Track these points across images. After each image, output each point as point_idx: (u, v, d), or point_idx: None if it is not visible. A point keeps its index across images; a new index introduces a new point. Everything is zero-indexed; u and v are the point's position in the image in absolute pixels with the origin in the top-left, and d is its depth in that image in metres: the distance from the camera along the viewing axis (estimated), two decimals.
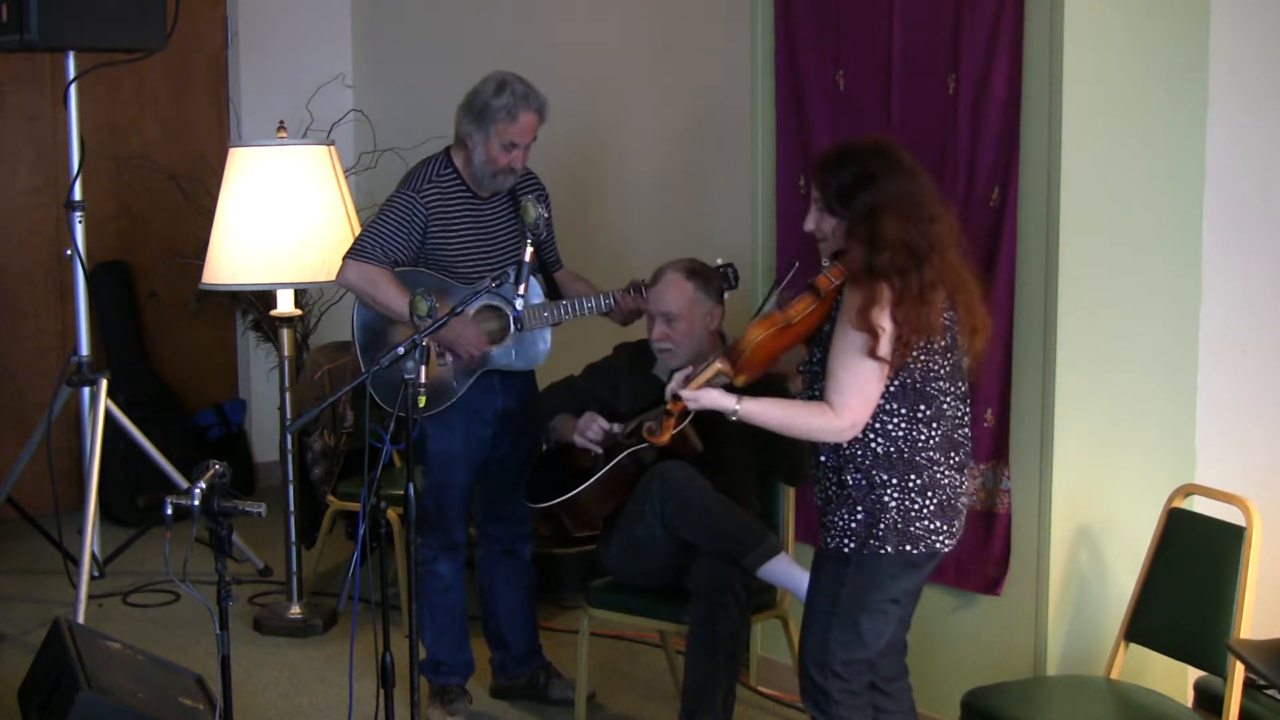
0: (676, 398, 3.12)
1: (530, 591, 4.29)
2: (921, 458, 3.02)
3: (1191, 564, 3.32)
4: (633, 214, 5.38)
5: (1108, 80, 3.54)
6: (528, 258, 3.57)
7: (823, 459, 3.11)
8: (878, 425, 3.02)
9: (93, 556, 4.82)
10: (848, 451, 3.05)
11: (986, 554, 3.68)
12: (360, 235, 4.02)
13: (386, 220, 3.95)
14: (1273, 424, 3.83)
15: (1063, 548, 3.59)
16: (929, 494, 3.02)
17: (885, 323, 2.93)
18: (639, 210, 5.37)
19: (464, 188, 4.00)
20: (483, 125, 3.90)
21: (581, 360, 4.14)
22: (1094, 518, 3.63)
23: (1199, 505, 3.44)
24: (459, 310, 3.51)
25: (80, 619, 4.52)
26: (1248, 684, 3.18)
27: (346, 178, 5.05)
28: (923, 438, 3.02)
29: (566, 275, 4.22)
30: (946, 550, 3.08)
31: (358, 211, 4.96)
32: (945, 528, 3.05)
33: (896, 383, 2.99)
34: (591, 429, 3.82)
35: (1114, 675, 3.44)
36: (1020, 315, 3.57)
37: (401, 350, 3.24)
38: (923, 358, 2.99)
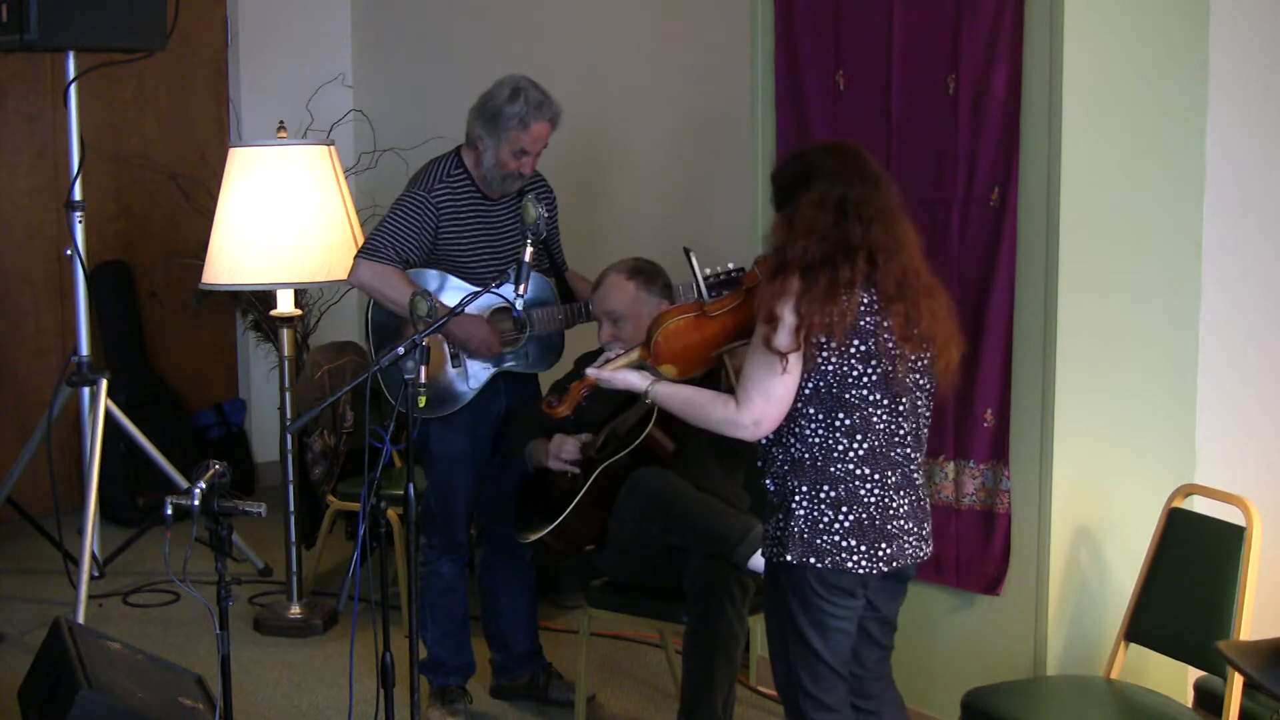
0: (583, 376, 3.15)
1: (531, 592, 4.29)
2: (838, 469, 2.90)
3: (1191, 564, 3.32)
4: (633, 214, 5.38)
5: (1108, 80, 3.54)
6: (527, 257, 3.57)
7: (758, 464, 3.05)
8: (795, 429, 2.93)
9: (93, 556, 4.82)
10: (770, 455, 2.99)
11: (986, 554, 3.68)
12: (371, 234, 4.03)
13: (398, 219, 3.96)
14: (1273, 424, 3.83)
15: (1063, 548, 3.59)
16: (843, 509, 2.89)
17: (786, 314, 2.84)
18: (640, 210, 5.37)
19: (474, 188, 4.01)
20: (494, 131, 3.90)
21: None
22: (1094, 518, 3.63)
23: (1199, 505, 3.44)
24: (458, 310, 3.51)
25: (80, 619, 4.52)
26: (1248, 684, 3.18)
27: (346, 178, 5.05)
28: (840, 448, 2.90)
29: (572, 276, 4.23)
30: (863, 573, 2.90)
31: (358, 211, 4.97)
32: (864, 549, 2.89)
33: (810, 385, 2.89)
34: (564, 450, 3.84)
35: (1114, 675, 3.44)
36: (1020, 315, 3.57)
37: (401, 350, 3.24)
38: (834, 359, 2.87)
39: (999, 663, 3.64)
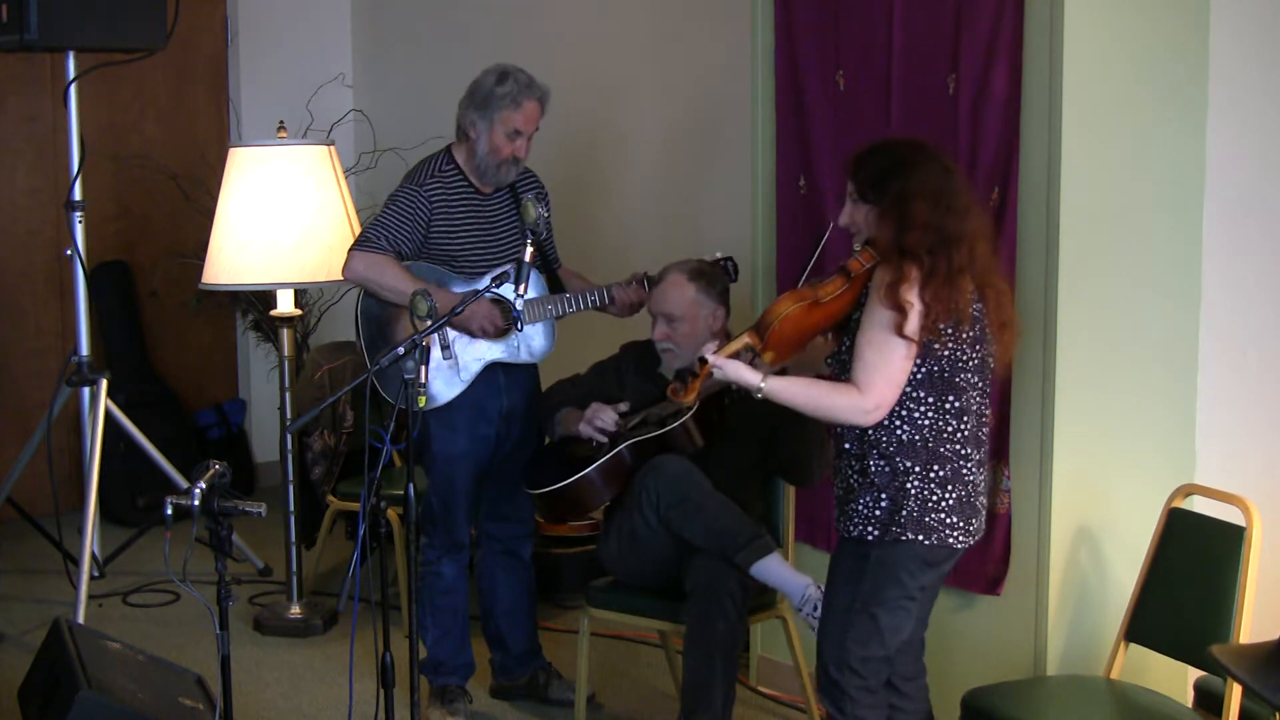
0: (704, 361, 3.10)
1: (530, 592, 4.29)
2: (947, 449, 3.04)
3: (1191, 564, 3.32)
4: (633, 213, 5.38)
5: (1108, 80, 3.54)
6: (528, 257, 3.58)
7: (846, 446, 3.13)
8: (904, 412, 3.03)
9: (93, 556, 4.82)
10: (873, 437, 3.06)
11: (986, 554, 3.68)
12: (365, 228, 4.04)
13: (391, 213, 3.97)
14: (1273, 424, 3.83)
15: (1063, 548, 3.59)
16: (949, 487, 3.04)
17: (913, 299, 2.95)
18: (639, 210, 5.37)
19: (466, 183, 4.01)
20: (486, 114, 3.92)
21: (586, 356, 4.15)
22: (1094, 518, 3.63)
23: (1199, 505, 3.43)
24: (459, 310, 3.51)
25: (80, 619, 4.52)
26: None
27: (346, 178, 5.05)
28: (949, 429, 3.04)
29: (565, 273, 4.23)
30: (962, 548, 3.09)
31: (358, 211, 4.97)
32: (963, 524, 3.07)
33: (924, 370, 3.01)
34: (600, 418, 3.84)
35: (1114, 675, 3.44)
36: (1020, 315, 3.56)
37: (401, 350, 3.24)
38: (950, 345, 3.00)
39: (999, 663, 3.64)
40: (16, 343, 6.23)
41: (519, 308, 3.69)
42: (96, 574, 5.04)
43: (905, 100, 3.77)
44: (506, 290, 3.69)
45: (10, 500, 5.36)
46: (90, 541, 4.74)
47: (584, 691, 3.99)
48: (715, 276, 3.89)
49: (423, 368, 3.22)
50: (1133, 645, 3.44)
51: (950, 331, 2.99)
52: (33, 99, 6.20)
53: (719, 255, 3.96)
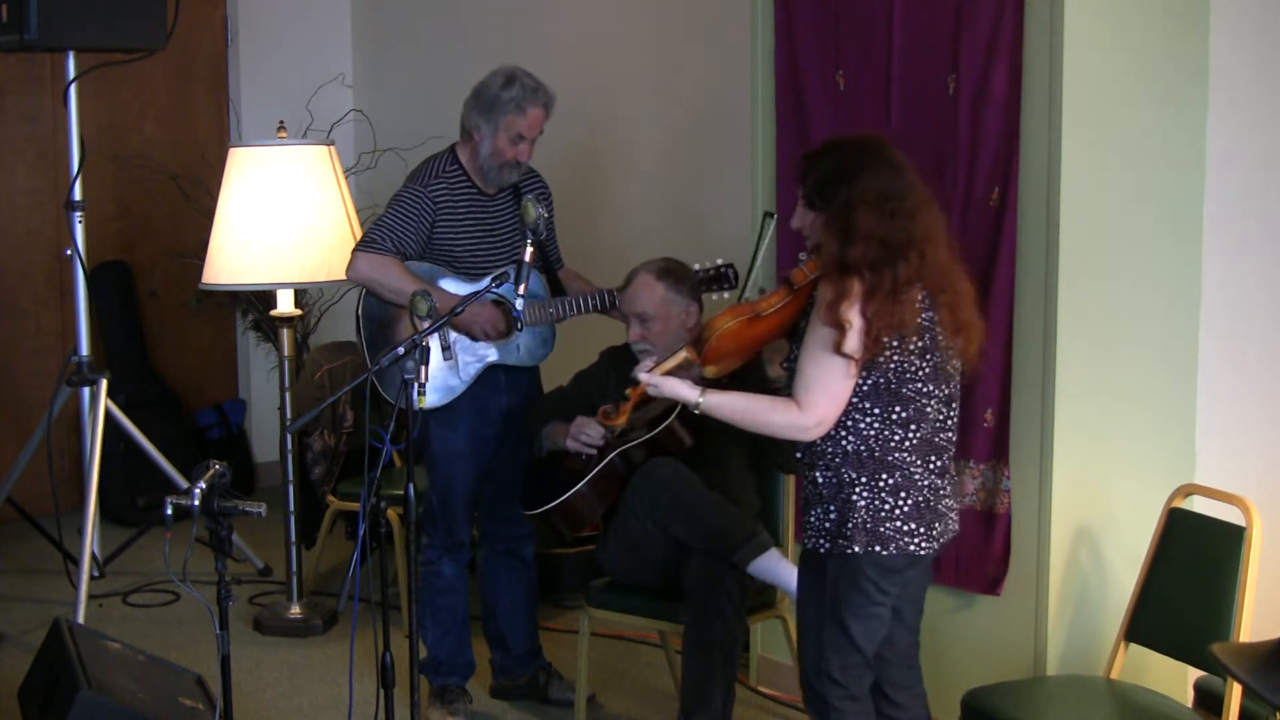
0: (637, 382, 3.13)
1: (531, 592, 4.29)
2: (894, 458, 2.97)
3: (1191, 564, 3.32)
4: (634, 214, 5.38)
5: (1108, 80, 3.54)
6: (528, 257, 3.58)
7: (799, 455, 3.09)
8: (849, 423, 2.97)
9: (93, 556, 4.82)
10: (819, 448, 3.02)
11: (986, 554, 3.68)
12: (368, 229, 4.03)
13: (395, 214, 3.97)
14: (1273, 424, 3.83)
15: (1063, 548, 3.59)
16: (902, 494, 2.97)
17: (854, 318, 2.87)
18: (640, 210, 5.37)
19: (470, 184, 4.01)
20: (491, 118, 3.92)
21: (586, 357, 4.15)
22: (1094, 518, 3.63)
23: (1199, 505, 3.43)
24: (459, 310, 3.51)
25: (80, 619, 4.51)
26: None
27: (346, 178, 5.05)
28: (896, 438, 2.97)
29: (567, 274, 4.23)
30: (924, 553, 3.01)
31: (358, 211, 4.97)
32: (924, 530, 2.98)
33: (869, 382, 2.94)
34: (585, 432, 3.83)
35: (1114, 675, 3.44)
36: (1020, 315, 3.57)
37: (402, 350, 3.24)
38: (896, 357, 2.93)
39: (999, 663, 3.64)
40: (16, 343, 6.23)
41: (519, 308, 3.69)
42: (96, 574, 5.04)
43: (905, 100, 3.77)
44: (506, 290, 3.69)
45: (10, 500, 5.36)
46: (90, 541, 4.74)
47: (584, 691, 3.99)
48: (684, 275, 3.88)
49: (423, 368, 3.23)
50: (1133, 645, 3.44)
51: (896, 344, 2.92)
52: (33, 99, 6.20)
53: (720, 262, 3.95)
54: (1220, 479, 3.52)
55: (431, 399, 3.93)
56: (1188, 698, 3.48)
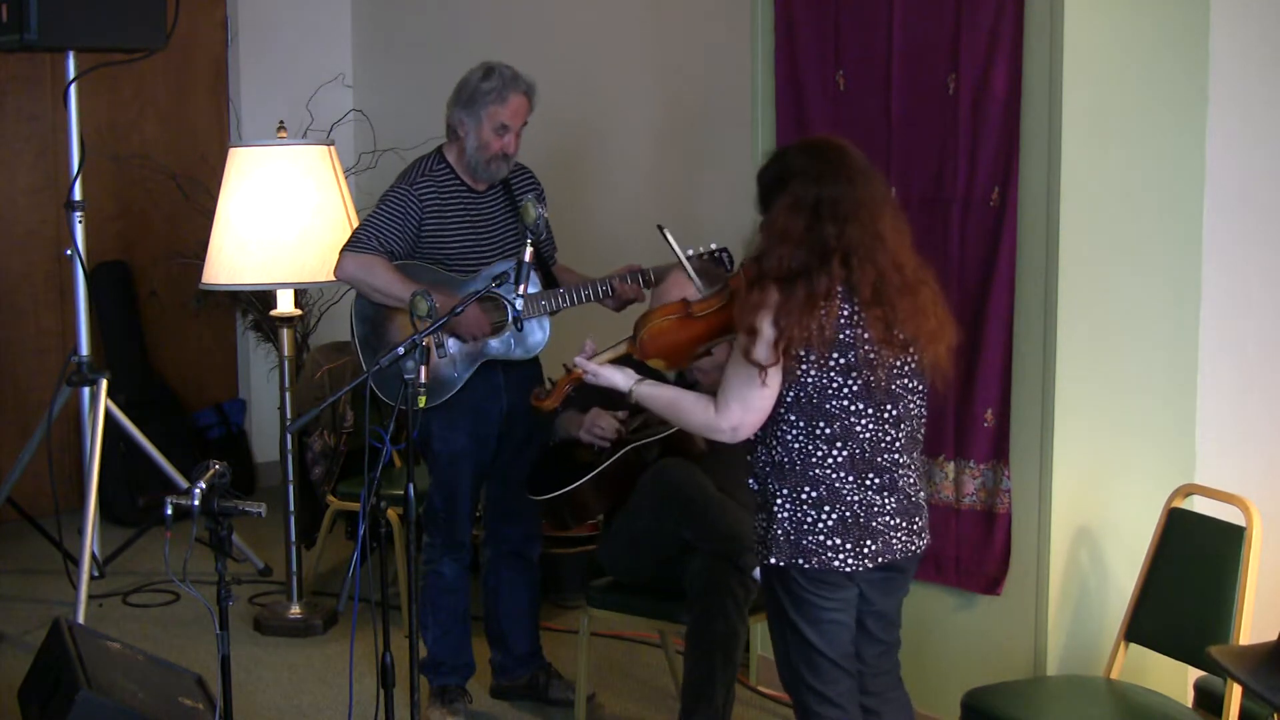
0: (569, 369, 3.16)
1: (534, 594, 4.29)
2: (817, 473, 2.89)
3: (1191, 564, 3.32)
4: (633, 213, 5.38)
5: (1108, 80, 3.54)
6: (528, 257, 3.58)
7: (746, 459, 3.07)
8: (778, 433, 2.92)
9: (93, 556, 4.82)
10: (751, 458, 3.00)
11: (986, 554, 3.68)
12: (356, 229, 4.04)
13: (381, 213, 3.97)
14: (1273, 424, 3.83)
15: (1063, 548, 3.59)
16: (826, 508, 2.88)
17: (765, 326, 2.82)
18: (639, 209, 5.36)
19: (458, 181, 4.01)
20: (473, 110, 3.93)
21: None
22: (1094, 518, 3.63)
23: (1199, 505, 3.44)
24: (459, 310, 3.51)
25: (80, 619, 4.52)
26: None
27: (346, 178, 5.05)
28: (820, 453, 2.89)
29: (560, 269, 4.23)
30: (850, 570, 2.89)
31: (358, 211, 4.96)
32: (851, 547, 2.88)
33: (791, 394, 2.89)
34: (599, 424, 3.84)
35: (1114, 675, 3.44)
36: (1020, 315, 3.57)
37: (401, 350, 3.24)
38: (814, 372, 2.86)
39: (999, 663, 3.64)
40: (16, 343, 6.23)
41: (518, 307, 3.69)
42: (96, 574, 5.05)
43: (905, 100, 3.77)
44: (506, 290, 3.69)
45: (10, 500, 5.36)
46: (90, 541, 4.74)
47: (584, 691, 3.99)
48: (717, 275, 3.88)
49: (423, 368, 3.23)
50: (1133, 645, 3.44)
51: (812, 358, 2.84)
52: (33, 99, 6.20)
53: (714, 246, 3.96)
54: (1220, 479, 3.52)
55: (439, 394, 3.93)
56: (1188, 698, 3.49)
